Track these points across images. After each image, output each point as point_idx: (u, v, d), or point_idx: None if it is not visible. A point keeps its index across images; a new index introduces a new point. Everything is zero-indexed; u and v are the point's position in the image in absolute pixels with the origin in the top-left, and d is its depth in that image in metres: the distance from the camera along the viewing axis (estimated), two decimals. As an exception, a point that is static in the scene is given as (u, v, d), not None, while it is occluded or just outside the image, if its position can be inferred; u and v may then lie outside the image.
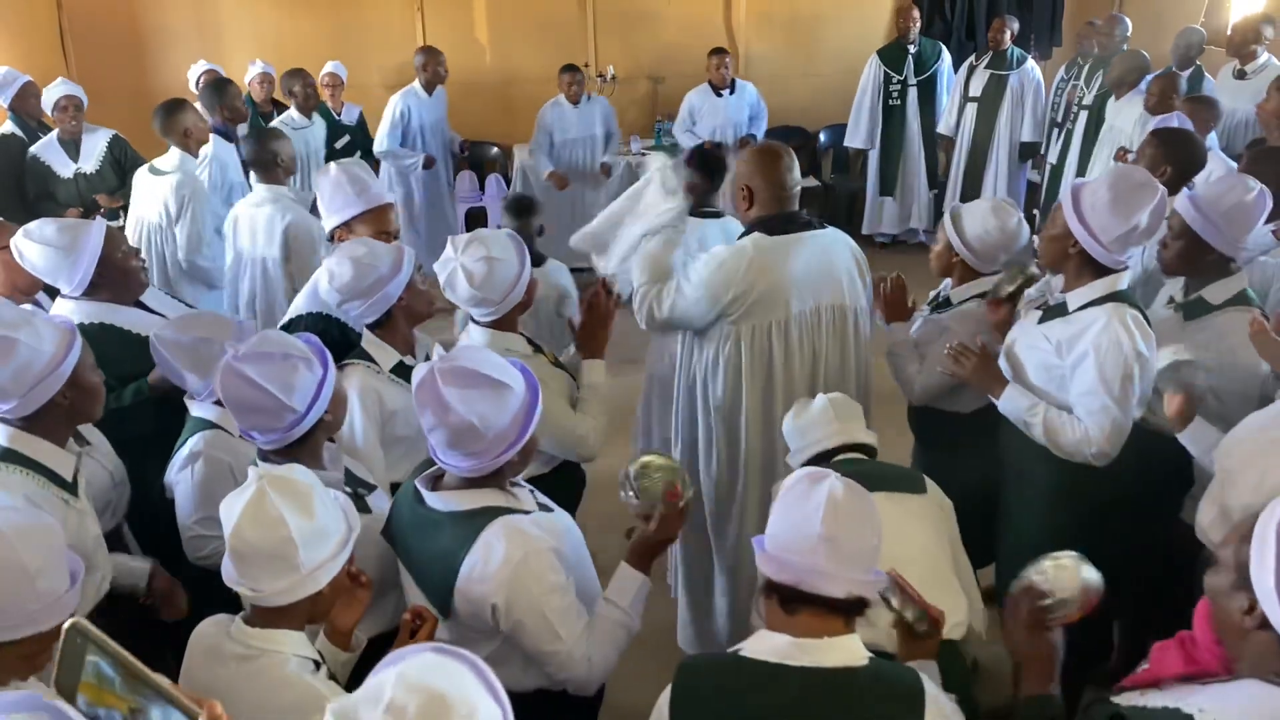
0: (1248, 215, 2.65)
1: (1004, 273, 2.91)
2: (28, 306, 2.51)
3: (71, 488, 2.11)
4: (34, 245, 2.77)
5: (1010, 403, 2.58)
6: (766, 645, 1.59)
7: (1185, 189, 3.15)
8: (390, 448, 2.56)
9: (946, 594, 1.82)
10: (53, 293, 2.98)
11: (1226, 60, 6.12)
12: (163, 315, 2.87)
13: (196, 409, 2.51)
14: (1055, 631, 1.68)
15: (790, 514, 1.58)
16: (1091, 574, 1.68)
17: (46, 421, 2.09)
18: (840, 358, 2.93)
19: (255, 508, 1.60)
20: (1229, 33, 6.12)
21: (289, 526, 1.59)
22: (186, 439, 2.46)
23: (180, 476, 2.42)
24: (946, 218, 3.05)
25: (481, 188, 7.46)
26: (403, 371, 2.56)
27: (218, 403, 2.41)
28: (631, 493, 2.05)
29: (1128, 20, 6.49)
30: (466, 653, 1.23)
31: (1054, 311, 2.60)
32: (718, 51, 6.73)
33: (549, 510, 2.04)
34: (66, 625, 1.14)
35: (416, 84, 6.41)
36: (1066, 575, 1.67)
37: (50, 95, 5.11)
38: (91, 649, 1.12)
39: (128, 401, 2.71)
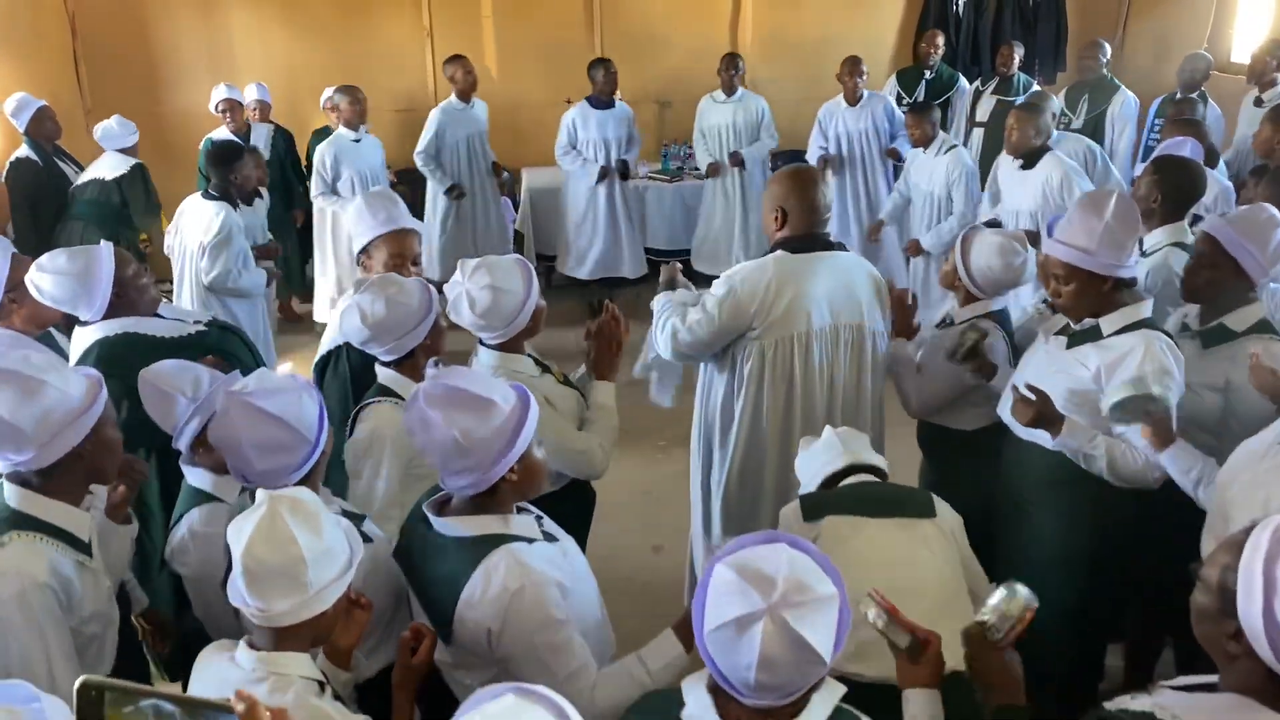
0: (1274, 242, 2.64)
1: (960, 334, 2.88)
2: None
3: (87, 548, 2.00)
4: (49, 276, 2.79)
5: (1072, 438, 2.51)
6: (693, 700, 1.54)
7: (1207, 215, 3.12)
8: (412, 485, 2.49)
9: (959, 623, 1.80)
10: (67, 328, 3.00)
11: (1231, 85, 6.14)
12: (183, 321, 3.01)
13: (194, 478, 2.39)
14: (1009, 651, 1.74)
15: (723, 654, 1.44)
16: (1023, 591, 1.74)
17: (64, 478, 1.94)
18: (856, 377, 3.00)
19: (267, 526, 1.62)
20: (1249, 60, 6.12)
21: (300, 545, 1.61)
22: (182, 513, 2.34)
23: (182, 562, 2.30)
24: (959, 239, 3.08)
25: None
26: None
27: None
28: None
29: (1107, 45, 6.52)
30: (545, 690, 1.19)
31: (1084, 336, 2.57)
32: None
33: (554, 540, 2.02)
34: (77, 684, 1.11)
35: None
36: (1003, 601, 1.73)
37: (128, 127, 5.49)
38: (123, 699, 1.11)
39: None
